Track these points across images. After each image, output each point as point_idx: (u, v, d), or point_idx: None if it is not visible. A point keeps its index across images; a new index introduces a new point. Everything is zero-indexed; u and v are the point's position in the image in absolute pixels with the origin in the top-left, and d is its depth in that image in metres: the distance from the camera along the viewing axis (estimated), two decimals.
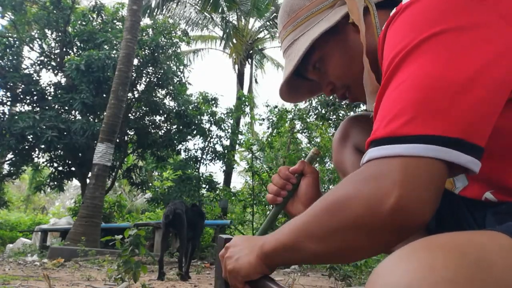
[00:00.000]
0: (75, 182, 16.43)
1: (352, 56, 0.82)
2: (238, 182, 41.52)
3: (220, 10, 14.58)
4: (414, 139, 0.51)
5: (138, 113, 13.20)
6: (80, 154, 11.60)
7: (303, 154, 13.23)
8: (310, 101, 8.61)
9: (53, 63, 12.67)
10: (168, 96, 12.89)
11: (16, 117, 10.83)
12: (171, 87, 12.48)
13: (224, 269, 0.78)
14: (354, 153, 0.99)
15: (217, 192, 12.62)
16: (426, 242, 0.44)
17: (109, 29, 12.42)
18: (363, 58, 0.78)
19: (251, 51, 16.99)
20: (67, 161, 12.38)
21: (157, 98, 12.75)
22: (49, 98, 12.14)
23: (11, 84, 11.65)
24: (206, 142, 12.99)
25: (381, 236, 0.53)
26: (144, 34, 12.19)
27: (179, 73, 12.86)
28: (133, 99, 12.52)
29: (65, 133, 10.87)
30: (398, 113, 0.53)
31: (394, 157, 0.52)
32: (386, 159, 0.52)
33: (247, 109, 13.72)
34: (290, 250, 0.63)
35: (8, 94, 11.92)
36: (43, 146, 11.13)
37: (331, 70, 0.86)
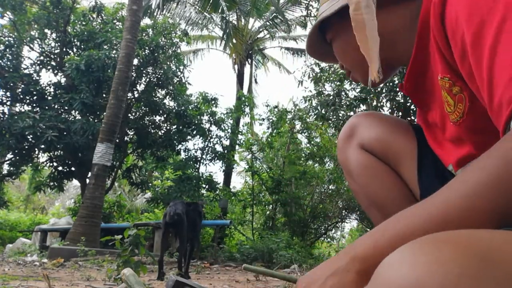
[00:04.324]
0: (75, 182, 16.42)
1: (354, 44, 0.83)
2: (238, 182, 41.57)
3: (220, 10, 14.59)
4: None
5: (138, 113, 13.19)
6: (80, 154, 11.59)
7: (303, 154, 13.25)
8: (310, 101, 8.61)
9: (53, 63, 12.67)
10: (168, 96, 12.89)
11: (16, 117, 10.82)
12: (171, 87, 12.48)
13: None
14: (359, 152, 0.99)
15: (217, 192, 12.63)
16: (432, 237, 0.41)
17: (109, 29, 12.41)
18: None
19: (251, 51, 17.00)
20: (67, 161, 12.37)
21: (157, 98, 12.75)
22: (49, 98, 12.13)
23: (11, 84, 11.63)
24: (206, 142, 13.00)
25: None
26: (144, 34, 12.19)
27: (179, 73, 12.85)
28: (133, 99, 12.51)
29: (65, 133, 10.87)
30: None
31: None
32: None
33: (247, 109, 13.74)
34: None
35: (8, 94, 11.90)
36: (43, 146, 11.12)
37: (336, 50, 0.93)
